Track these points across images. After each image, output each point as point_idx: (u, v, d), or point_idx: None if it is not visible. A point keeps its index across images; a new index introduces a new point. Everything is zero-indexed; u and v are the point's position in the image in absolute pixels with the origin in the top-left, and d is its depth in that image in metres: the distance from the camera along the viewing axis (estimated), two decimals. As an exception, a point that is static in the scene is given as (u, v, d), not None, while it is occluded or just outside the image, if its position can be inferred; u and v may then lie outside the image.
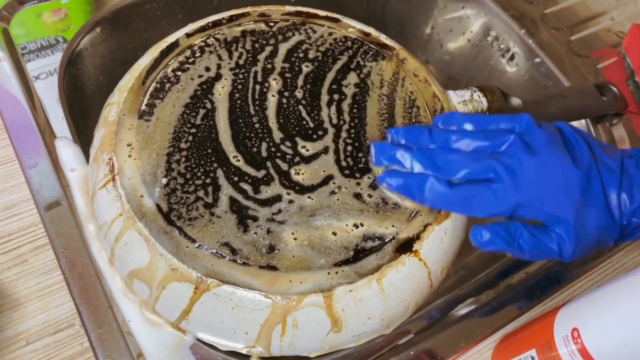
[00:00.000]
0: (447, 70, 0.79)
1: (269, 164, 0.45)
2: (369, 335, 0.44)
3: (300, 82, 0.51)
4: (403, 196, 0.44)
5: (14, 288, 0.47)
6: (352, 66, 0.53)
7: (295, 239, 0.42)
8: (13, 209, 0.51)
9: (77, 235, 0.47)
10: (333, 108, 0.49)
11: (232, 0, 0.63)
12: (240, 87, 0.49)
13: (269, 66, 0.51)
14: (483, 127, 0.45)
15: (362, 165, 0.46)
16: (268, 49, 0.53)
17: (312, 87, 0.50)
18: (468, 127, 0.45)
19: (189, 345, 0.46)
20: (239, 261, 0.40)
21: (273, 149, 0.46)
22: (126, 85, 0.49)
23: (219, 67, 0.51)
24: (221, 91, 0.49)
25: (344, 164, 0.46)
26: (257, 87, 0.50)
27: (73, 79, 0.61)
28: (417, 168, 0.43)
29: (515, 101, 0.54)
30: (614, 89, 0.63)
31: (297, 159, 0.46)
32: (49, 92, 0.57)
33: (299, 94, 0.50)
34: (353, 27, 0.56)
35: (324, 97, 0.50)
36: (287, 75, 0.51)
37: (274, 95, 0.49)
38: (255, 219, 0.42)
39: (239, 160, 0.45)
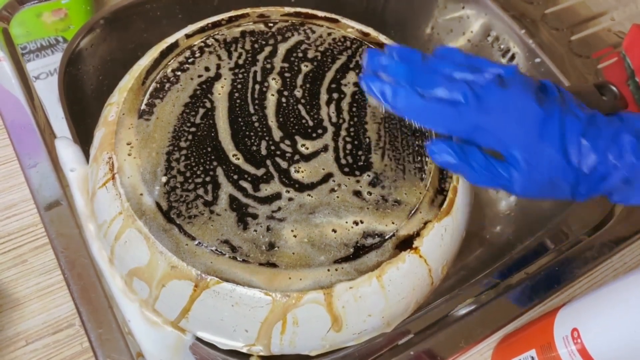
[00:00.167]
0: (447, 70, 0.79)
1: (268, 162, 0.45)
2: (369, 333, 0.44)
3: (299, 81, 0.51)
4: (379, 100, 0.45)
5: (14, 288, 0.47)
6: (351, 65, 0.53)
7: (295, 236, 0.42)
8: (13, 208, 0.51)
9: (77, 235, 0.47)
10: (332, 107, 0.49)
11: (231, 1, 0.63)
12: (239, 86, 0.50)
13: (268, 66, 0.51)
14: (474, 65, 0.46)
15: (361, 163, 0.46)
16: (267, 49, 0.53)
17: (312, 87, 0.50)
18: (461, 61, 0.46)
19: (189, 345, 0.46)
20: (238, 258, 0.40)
21: (272, 147, 0.46)
22: (126, 85, 0.49)
23: (218, 67, 0.51)
24: (221, 91, 0.49)
25: (343, 161, 0.46)
26: (257, 86, 0.50)
27: (73, 79, 0.61)
28: (397, 77, 0.45)
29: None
30: (614, 89, 0.63)
31: (296, 157, 0.46)
32: (49, 92, 0.57)
33: (298, 93, 0.50)
34: (352, 27, 0.56)
35: (323, 96, 0.50)
36: (287, 74, 0.51)
37: (273, 95, 0.49)
38: (255, 216, 0.42)
39: (238, 159, 0.45)
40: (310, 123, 0.48)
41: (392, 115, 0.50)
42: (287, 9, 0.57)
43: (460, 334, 0.48)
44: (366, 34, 0.56)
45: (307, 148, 0.47)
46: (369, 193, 0.45)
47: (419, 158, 0.47)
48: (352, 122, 0.49)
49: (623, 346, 0.37)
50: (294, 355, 0.45)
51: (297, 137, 0.47)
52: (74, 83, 0.61)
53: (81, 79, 0.63)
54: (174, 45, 0.52)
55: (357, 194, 0.45)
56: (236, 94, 0.49)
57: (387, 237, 0.43)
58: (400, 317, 0.45)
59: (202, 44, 0.52)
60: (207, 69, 0.50)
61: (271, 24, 0.55)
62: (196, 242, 0.41)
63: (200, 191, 0.43)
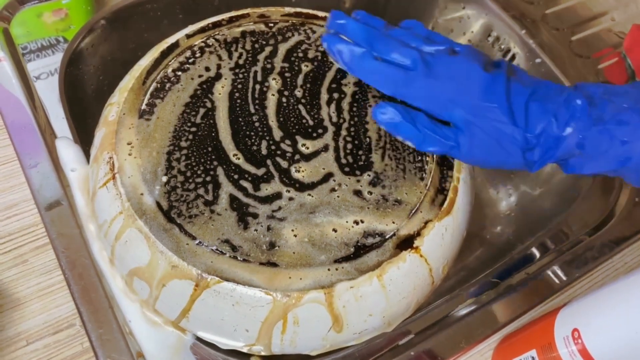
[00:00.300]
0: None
1: (269, 161, 0.45)
2: (370, 332, 0.44)
3: (299, 81, 0.51)
4: (336, 59, 0.48)
5: (14, 288, 0.47)
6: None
7: (295, 235, 0.42)
8: (13, 208, 0.51)
9: (77, 235, 0.47)
10: (333, 106, 0.49)
11: (232, 1, 0.63)
12: (240, 86, 0.50)
13: (269, 66, 0.51)
14: (433, 39, 0.47)
15: (362, 163, 0.46)
16: (268, 49, 0.53)
17: (312, 86, 0.50)
18: (421, 34, 0.48)
19: (190, 345, 0.46)
20: (239, 258, 0.40)
21: (273, 147, 0.46)
22: (127, 85, 0.49)
23: (219, 67, 0.51)
24: (221, 90, 0.49)
25: (343, 161, 0.46)
26: (257, 86, 0.50)
27: (74, 79, 0.61)
28: (356, 38, 0.47)
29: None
30: (615, 89, 0.63)
31: (297, 156, 0.46)
32: (49, 92, 0.57)
33: (298, 93, 0.50)
34: (353, 27, 0.56)
35: (324, 96, 0.50)
36: (287, 74, 0.51)
37: (273, 95, 0.49)
38: (255, 216, 0.42)
39: (239, 158, 0.45)
40: (311, 123, 0.48)
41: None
42: (288, 9, 0.57)
43: (460, 334, 0.48)
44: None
45: (308, 148, 0.47)
46: (370, 192, 0.45)
47: (420, 157, 0.47)
48: (352, 122, 0.49)
49: (624, 346, 0.37)
50: (295, 355, 0.45)
51: (298, 137, 0.47)
52: (74, 83, 0.61)
53: (82, 79, 0.63)
54: (175, 45, 0.52)
55: (358, 193, 0.45)
56: (236, 94, 0.49)
57: (387, 237, 0.43)
58: (401, 316, 0.45)
59: (203, 44, 0.52)
60: (207, 69, 0.50)
61: (271, 24, 0.55)
62: (197, 242, 0.41)
63: (201, 191, 0.43)
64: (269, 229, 0.42)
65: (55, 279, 0.48)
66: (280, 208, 0.43)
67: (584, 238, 0.55)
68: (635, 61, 0.68)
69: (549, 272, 0.52)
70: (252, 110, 0.48)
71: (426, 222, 0.44)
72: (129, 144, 0.45)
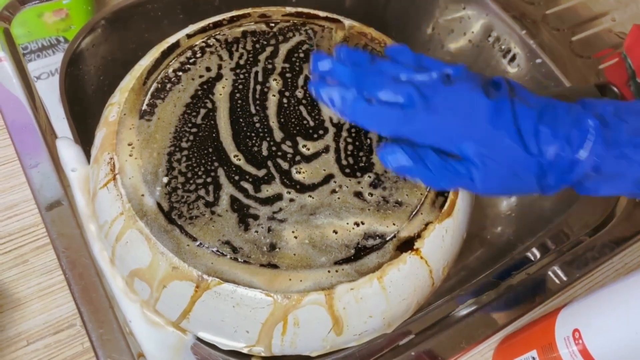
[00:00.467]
0: (448, 71, 0.79)
1: (269, 163, 0.45)
2: (370, 334, 0.44)
3: (300, 82, 0.51)
4: (328, 106, 0.44)
5: (15, 288, 0.47)
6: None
7: (295, 237, 0.42)
8: (14, 209, 0.51)
9: (78, 235, 0.47)
10: (334, 108, 0.49)
11: (233, 1, 0.63)
12: (240, 87, 0.50)
13: (270, 66, 0.51)
14: (423, 65, 0.45)
15: (362, 164, 0.46)
16: (268, 49, 0.53)
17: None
18: (410, 62, 0.46)
19: (190, 345, 0.46)
20: (239, 259, 0.40)
21: (274, 148, 0.46)
22: (127, 85, 0.49)
23: (219, 67, 0.51)
24: (222, 91, 0.49)
25: (344, 162, 0.46)
26: (258, 87, 0.50)
27: (74, 79, 0.61)
28: (344, 81, 0.44)
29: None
30: (615, 89, 0.63)
31: (297, 157, 0.46)
32: (50, 92, 0.57)
33: (299, 93, 0.50)
34: (353, 27, 0.56)
35: (325, 97, 0.50)
36: (288, 75, 0.51)
37: (274, 95, 0.49)
38: (256, 217, 0.42)
39: (239, 159, 0.45)
40: (312, 124, 0.48)
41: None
42: (289, 9, 0.57)
43: (461, 334, 0.48)
44: (367, 34, 0.56)
45: (308, 149, 0.47)
46: (370, 194, 0.45)
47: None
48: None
49: (624, 346, 0.37)
50: (295, 356, 0.45)
51: (299, 138, 0.47)
52: (75, 83, 0.61)
53: (82, 79, 0.63)
54: (175, 45, 0.52)
55: (358, 195, 0.45)
56: (237, 95, 0.49)
57: (388, 239, 0.43)
58: (401, 318, 0.45)
59: (204, 44, 0.52)
60: (208, 69, 0.50)
61: (272, 24, 0.55)
62: (197, 243, 0.41)
63: (202, 192, 0.43)
64: (269, 230, 0.42)
65: (55, 279, 0.48)
66: (280, 209, 0.43)
67: (584, 239, 0.55)
68: (636, 61, 0.68)
69: (550, 273, 0.52)
70: (253, 111, 0.48)
71: (427, 224, 0.44)
72: (129, 144, 0.45)
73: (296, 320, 0.40)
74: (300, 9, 0.57)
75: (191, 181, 0.44)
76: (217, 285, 0.40)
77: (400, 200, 0.45)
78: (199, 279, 0.40)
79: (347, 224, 0.43)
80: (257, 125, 0.47)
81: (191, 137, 0.46)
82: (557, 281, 0.51)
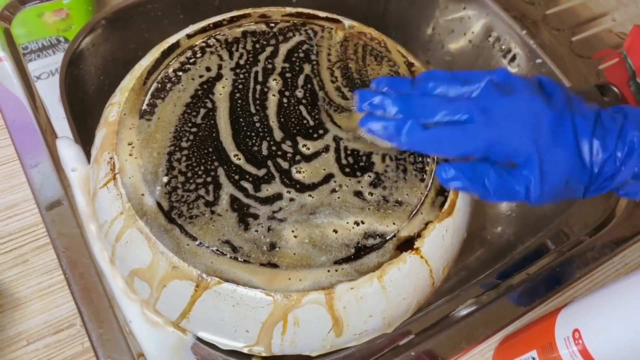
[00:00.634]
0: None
1: (269, 162, 0.45)
2: (370, 334, 0.44)
3: (300, 81, 0.51)
4: (383, 140, 0.45)
5: (15, 288, 0.47)
6: (353, 66, 0.53)
7: (295, 236, 0.42)
8: (14, 208, 0.51)
9: (78, 235, 0.47)
10: (333, 107, 0.49)
11: (233, 2, 0.63)
12: (240, 86, 0.50)
13: (270, 66, 0.51)
14: (463, 79, 0.45)
15: (362, 164, 0.46)
16: (268, 49, 0.53)
17: (313, 87, 0.50)
18: (447, 78, 0.46)
19: (190, 345, 0.46)
20: (239, 259, 0.40)
21: (274, 148, 0.46)
22: (127, 85, 0.49)
23: (219, 67, 0.51)
24: (222, 91, 0.49)
25: (344, 162, 0.46)
26: (258, 86, 0.50)
27: (74, 79, 0.61)
28: (395, 112, 0.44)
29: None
30: (615, 89, 0.63)
31: (297, 157, 0.46)
32: (50, 92, 0.57)
33: (299, 93, 0.50)
34: (353, 27, 0.56)
35: (324, 97, 0.50)
36: (288, 75, 0.51)
37: (274, 95, 0.49)
38: (256, 216, 0.42)
39: (239, 159, 0.45)
40: (312, 123, 0.48)
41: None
42: (289, 9, 0.57)
43: (461, 334, 0.48)
44: (367, 34, 0.56)
45: (308, 148, 0.47)
46: (370, 194, 0.45)
47: (420, 159, 0.47)
48: (353, 123, 0.49)
49: (624, 347, 0.37)
50: (295, 356, 0.45)
51: (299, 138, 0.47)
52: (75, 83, 0.61)
53: (82, 79, 0.63)
54: (176, 45, 0.52)
55: (358, 194, 0.45)
56: (237, 94, 0.49)
57: (388, 238, 0.43)
58: (401, 317, 0.45)
59: (204, 44, 0.52)
60: (208, 69, 0.50)
61: (272, 24, 0.55)
62: (197, 243, 0.41)
63: (202, 191, 0.43)
64: (269, 229, 0.42)
65: (55, 279, 0.48)
66: (280, 209, 0.43)
67: (584, 239, 0.55)
68: (636, 62, 0.68)
69: (550, 273, 0.52)
70: (253, 111, 0.48)
71: (427, 224, 0.44)
72: (129, 144, 0.45)
73: (296, 320, 0.40)
74: (300, 9, 0.57)
75: (191, 181, 0.44)
76: (217, 284, 0.40)
77: (400, 200, 0.45)
78: (198, 279, 0.40)
79: (347, 223, 0.43)
80: (257, 124, 0.47)
81: (191, 137, 0.46)
82: (557, 281, 0.51)
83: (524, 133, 0.41)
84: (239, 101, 0.49)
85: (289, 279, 0.40)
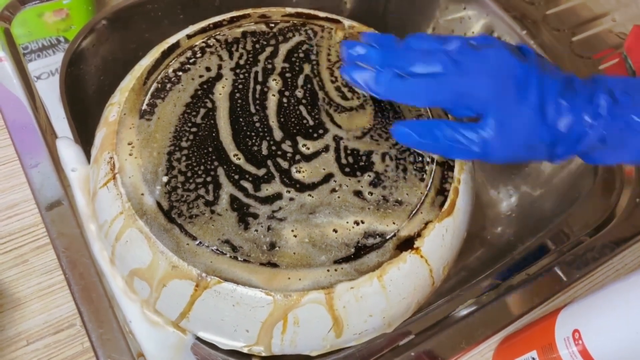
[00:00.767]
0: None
1: (269, 162, 0.45)
2: (370, 333, 0.44)
3: (300, 81, 0.51)
4: (362, 88, 0.47)
5: (14, 288, 0.47)
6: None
7: (295, 236, 0.42)
8: (14, 208, 0.51)
9: (78, 235, 0.47)
10: (333, 107, 0.49)
11: (233, 2, 0.63)
12: (240, 86, 0.50)
13: (270, 66, 0.51)
14: (446, 39, 0.46)
15: (362, 164, 0.46)
16: (268, 49, 0.53)
17: (313, 87, 0.50)
18: (432, 39, 0.47)
19: (190, 345, 0.46)
20: (239, 258, 0.40)
21: (274, 148, 0.46)
22: (127, 85, 0.49)
23: (219, 67, 0.51)
24: (222, 91, 0.49)
25: (344, 162, 0.46)
26: (258, 86, 0.50)
27: (74, 79, 0.61)
28: (375, 63, 0.46)
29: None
30: (615, 89, 0.63)
31: (297, 157, 0.46)
32: (50, 92, 0.57)
33: (299, 93, 0.50)
34: (353, 28, 0.56)
35: (324, 97, 0.50)
36: (287, 75, 0.51)
37: (274, 95, 0.49)
38: (255, 216, 0.42)
39: (239, 159, 0.45)
40: (311, 123, 0.48)
41: (392, 115, 0.50)
42: (289, 10, 0.57)
43: (461, 334, 0.48)
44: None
45: (308, 148, 0.47)
46: (370, 193, 0.45)
47: (420, 158, 0.47)
48: (353, 123, 0.49)
49: (624, 347, 0.37)
50: (295, 356, 0.45)
51: (298, 138, 0.47)
52: (75, 83, 0.61)
53: (82, 79, 0.63)
54: (176, 45, 0.52)
55: (358, 194, 0.45)
56: (237, 94, 0.49)
57: (388, 238, 0.43)
58: (401, 317, 0.45)
59: (204, 44, 0.52)
60: (208, 69, 0.50)
61: (272, 25, 0.55)
62: (197, 242, 0.41)
63: (201, 191, 0.43)
64: (269, 229, 0.42)
65: (55, 279, 0.48)
66: (280, 208, 0.43)
67: (584, 239, 0.55)
68: (636, 62, 0.68)
69: (550, 273, 0.52)
70: (253, 111, 0.48)
71: (426, 223, 0.44)
72: (129, 144, 0.45)
73: (296, 319, 0.40)
74: (300, 10, 0.57)
75: (191, 180, 0.44)
76: (217, 284, 0.40)
77: (400, 199, 0.45)
78: (198, 278, 0.40)
79: (347, 222, 0.43)
80: (257, 124, 0.47)
81: (191, 137, 0.46)
82: (557, 281, 0.51)
83: (490, 86, 0.42)
84: (239, 101, 0.49)
85: (289, 278, 0.40)
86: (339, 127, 0.48)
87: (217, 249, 0.41)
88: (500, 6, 0.71)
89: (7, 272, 0.48)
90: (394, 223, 0.44)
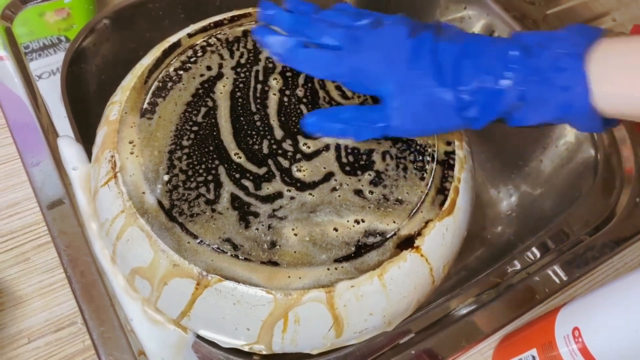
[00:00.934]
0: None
1: (270, 161, 0.45)
2: (370, 332, 0.44)
3: (301, 80, 0.51)
4: (268, 50, 0.48)
5: (16, 286, 0.47)
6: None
7: (295, 234, 0.42)
8: (15, 207, 0.51)
9: (79, 233, 0.48)
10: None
11: (234, 1, 0.63)
12: (241, 85, 0.50)
13: (270, 65, 0.51)
14: (362, 14, 0.46)
15: (362, 162, 0.46)
16: (269, 48, 0.53)
17: (313, 86, 0.50)
18: (352, 12, 0.47)
19: (191, 343, 0.46)
20: (240, 257, 0.41)
21: (274, 146, 0.46)
22: (128, 84, 0.49)
23: (220, 66, 0.51)
24: (222, 90, 0.49)
25: (344, 160, 0.46)
26: (259, 85, 0.50)
27: (76, 78, 0.61)
28: (285, 27, 0.47)
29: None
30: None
31: (298, 156, 0.46)
32: (51, 91, 0.57)
33: (300, 92, 0.50)
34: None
35: (325, 95, 0.50)
36: (288, 74, 0.51)
37: (275, 94, 0.50)
38: (256, 215, 0.42)
39: (240, 157, 0.45)
40: (312, 122, 0.48)
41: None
42: (289, 9, 0.57)
43: (461, 333, 0.48)
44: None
45: (309, 147, 0.47)
46: (371, 192, 0.45)
47: (421, 157, 0.47)
48: (353, 122, 0.49)
49: (624, 345, 0.37)
50: (295, 354, 0.45)
51: (299, 136, 0.47)
52: (76, 82, 0.61)
53: (84, 78, 0.63)
54: (176, 44, 0.52)
55: (359, 192, 0.45)
56: (238, 93, 0.49)
57: (388, 236, 0.43)
58: (401, 316, 0.45)
59: (204, 43, 0.52)
60: (209, 68, 0.50)
61: (273, 24, 0.55)
62: (198, 241, 0.41)
63: (202, 190, 0.43)
64: (270, 228, 0.42)
65: (56, 277, 0.48)
66: (281, 207, 0.43)
67: (584, 238, 0.55)
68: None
69: (550, 272, 0.52)
70: (254, 110, 0.48)
71: (427, 222, 0.44)
72: (130, 142, 0.45)
73: (297, 318, 0.40)
74: (301, 9, 0.57)
75: (192, 179, 0.44)
76: (218, 282, 0.40)
77: (400, 198, 0.45)
78: (199, 276, 0.40)
79: (348, 221, 0.43)
80: (258, 123, 0.48)
81: (192, 135, 0.46)
82: (557, 280, 0.51)
83: (383, 61, 0.42)
84: (240, 100, 0.49)
85: (289, 277, 0.40)
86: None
87: (218, 248, 0.41)
88: (501, 6, 0.71)
89: (8, 270, 0.48)
90: (394, 222, 0.44)
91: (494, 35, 0.72)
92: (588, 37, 0.40)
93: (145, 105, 0.47)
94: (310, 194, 0.44)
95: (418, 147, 0.48)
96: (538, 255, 0.56)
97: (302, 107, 0.49)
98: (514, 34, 0.43)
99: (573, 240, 0.55)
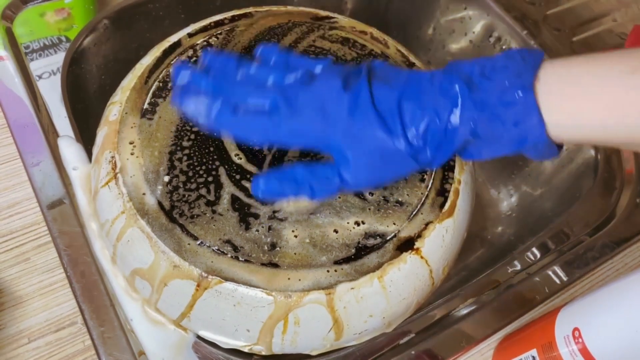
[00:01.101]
0: (449, 71, 0.79)
1: (270, 162, 0.45)
2: (370, 333, 0.45)
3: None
4: (194, 120, 0.41)
5: (16, 286, 0.47)
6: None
7: (295, 236, 0.42)
8: (16, 207, 0.51)
9: (79, 233, 0.48)
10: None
11: (234, 1, 0.63)
12: (242, 86, 0.50)
13: (271, 65, 0.51)
14: (290, 65, 0.43)
15: None
16: (270, 48, 0.53)
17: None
18: (279, 62, 0.43)
19: (191, 343, 0.46)
20: (240, 258, 0.41)
21: (275, 147, 0.46)
22: (129, 84, 0.49)
23: (221, 66, 0.51)
24: (223, 90, 0.49)
25: (345, 162, 0.46)
26: (259, 86, 0.50)
27: (76, 78, 0.61)
28: (206, 91, 0.41)
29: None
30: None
31: (298, 156, 0.46)
32: (52, 91, 0.57)
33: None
34: (354, 27, 0.56)
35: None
36: None
37: (275, 94, 0.49)
38: (256, 216, 0.42)
39: (240, 158, 0.45)
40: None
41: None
42: (290, 8, 0.57)
43: (461, 333, 0.48)
44: (368, 34, 0.56)
45: (309, 148, 0.47)
46: (371, 194, 0.45)
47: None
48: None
49: (624, 345, 0.37)
50: (295, 355, 0.45)
51: (299, 137, 0.47)
52: (76, 82, 0.61)
53: (84, 78, 0.63)
54: (177, 44, 0.52)
55: (359, 194, 0.45)
56: (239, 94, 0.49)
57: (388, 238, 0.43)
58: (401, 317, 0.46)
59: (205, 43, 0.52)
60: (209, 68, 0.50)
61: (273, 23, 0.55)
62: (198, 242, 0.41)
63: (203, 191, 0.43)
64: (270, 229, 0.42)
65: (57, 277, 0.48)
66: (281, 209, 0.43)
67: (584, 238, 0.55)
68: (637, 62, 0.68)
69: (550, 273, 0.52)
70: (254, 110, 0.48)
71: (427, 224, 0.44)
72: (131, 143, 0.45)
73: (297, 319, 0.40)
74: (301, 8, 0.57)
75: (192, 180, 0.44)
76: (218, 284, 0.40)
77: (400, 200, 0.45)
78: (199, 278, 0.40)
79: (348, 223, 0.43)
80: (258, 124, 0.47)
81: (192, 136, 0.46)
82: (557, 281, 0.51)
83: (322, 120, 0.39)
84: (240, 100, 0.49)
85: (289, 278, 0.40)
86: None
87: (218, 249, 0.41)
88: (501, 6, 0.71)
89: (8, 270, 0.48)
90: (394, 224, 0.44)
91: (493, 36, 0.72)
92: (530, 63, 0.38)
93: (146, 106, 0.47)
94: (311, 195, 0.44)
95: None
96: (538, 255, 0.56)
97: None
98: (451, 64, 0.40)
99: (573, 241, 0.55)
